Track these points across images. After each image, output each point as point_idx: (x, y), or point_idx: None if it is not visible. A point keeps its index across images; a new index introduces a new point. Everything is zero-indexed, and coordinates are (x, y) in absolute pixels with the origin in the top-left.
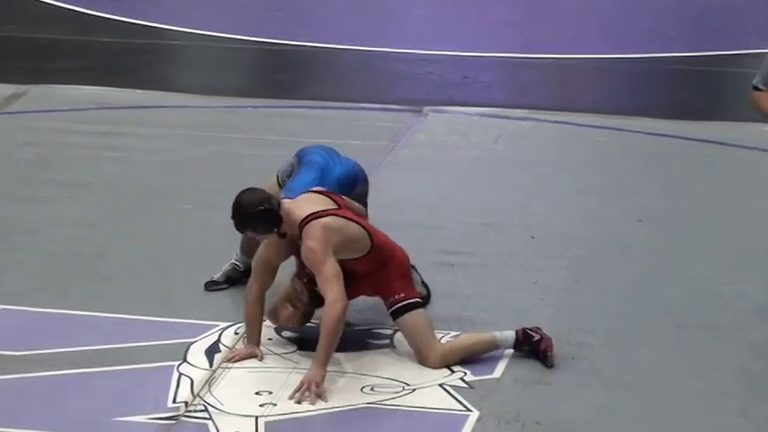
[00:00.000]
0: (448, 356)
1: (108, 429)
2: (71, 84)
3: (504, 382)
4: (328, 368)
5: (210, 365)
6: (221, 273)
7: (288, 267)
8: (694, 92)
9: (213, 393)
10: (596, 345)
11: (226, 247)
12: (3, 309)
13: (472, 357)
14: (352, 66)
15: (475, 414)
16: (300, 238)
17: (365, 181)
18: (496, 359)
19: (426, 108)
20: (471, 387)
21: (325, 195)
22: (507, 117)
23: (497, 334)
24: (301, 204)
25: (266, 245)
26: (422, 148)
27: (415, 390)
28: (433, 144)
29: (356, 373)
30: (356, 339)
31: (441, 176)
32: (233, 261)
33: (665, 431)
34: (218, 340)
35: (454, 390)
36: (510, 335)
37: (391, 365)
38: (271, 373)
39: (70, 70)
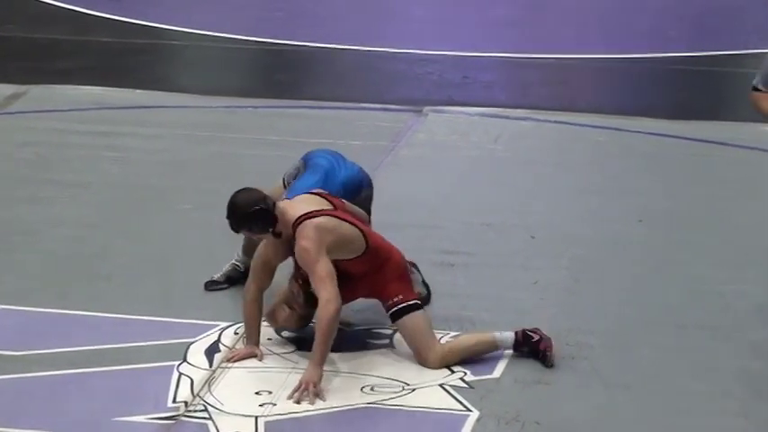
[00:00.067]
0: (448, 357)
1: (108, 429)
2: (71, 84)
3: (503, 382)
4: (328, 368)
5: (210, 365)
6: (221, 273)
7: (286, 268)
8: (694, 92)
9: (213, 393)
10: (596, 345)
11: (226, 248)
12: (3, 309)
13: (472, 358)
14: (353, 66)
15: (475, 414)
16: (294, 238)
17: (370, 186)
18: (496, 359)
19: (426, 108)
20: (471, 387)
21: (322, 197)
22: (507, 117)
23: (497, 334)
24: (296, 205)
25: (265, 245)
26: (422, 148)
27: (414, 390)
28: (434, 144)
29: (356, 372)
30: (356, 339)
31: (441, 176)
32: (234, 261)
33: (665, 431)
34: (218, 340)
35: (454, 390)
36: (509, 336)
37: (391, 365)
38: (270, 373)
39: (70, 70)
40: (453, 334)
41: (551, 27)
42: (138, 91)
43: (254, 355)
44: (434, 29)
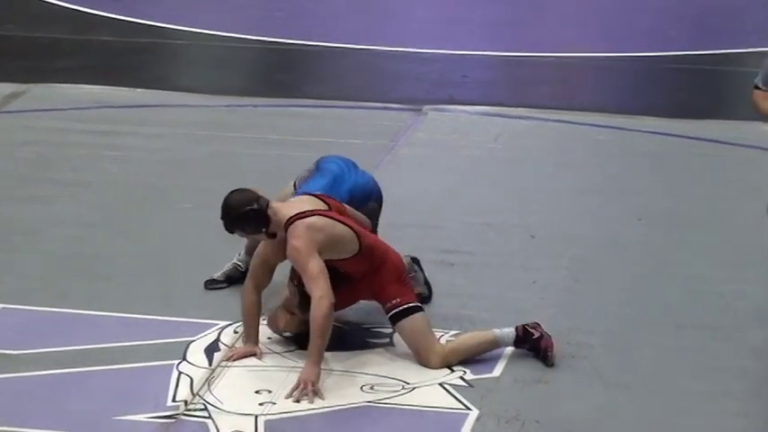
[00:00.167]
0: (449, 357)
1: (108, 428)
2: (71, 83)
3: (503, 381)
4: (328, 367)
5: (210, 364)
6: (222, 272)
7: (286, 268)
8: (695, 91)
9: (213, 392)
10: (596, 344)
11: (225, 247)
12: (3, 308)
13: (473, 357)
14: (353, 65)
15: (474, 413)
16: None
17: (378, 200)
18: (496, 358)
19: (426, 107)
20: (471, 386)
21: (319, 198)
22: (507, 116)
23: (497, 332)
24: (289, 205)
25: (264, 245)
26: (422, 148)
27: (414, 388)
28: (434, 143)
29: (356, 371)
30: (356, 338)
31: (441, 176)
32: (235, 261)
33: (664, 431)
34: (218, 339)
35: (454, 388)
36: (510, 332)
37: (391, 364)
38: (270, 372)
39: (70, 69)
40: (453, 333)
41: (551, 26)
42: (138, 90)
43: (253, 354)
44: (434, 28)
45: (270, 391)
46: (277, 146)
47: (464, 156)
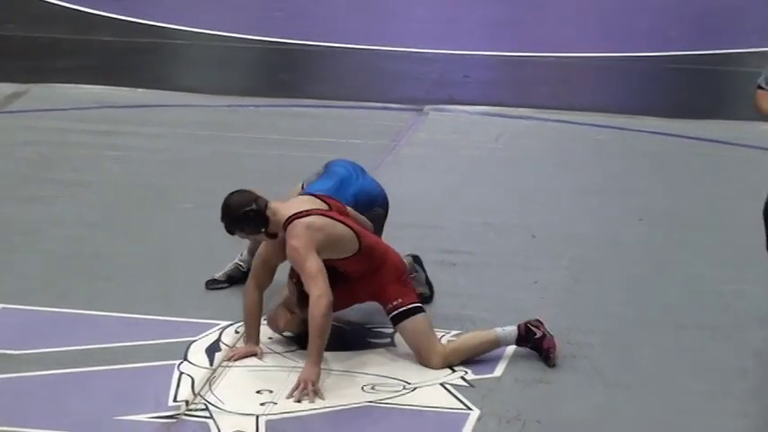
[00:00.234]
0: (450, 358)
1: (109, 428)
2: (72, 83)
3: (504, 381)
4: (329, 367)
5: (211, 364)
6: (223, 272)
7: (287, 267)
8: (695, 91)
9: (214, 392)
10: (596, 344)
11: (226, 247)
12: (3, 308)
13: (474, 357)
14: (353, 65)
15: (476, 413)
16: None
17: (384, 205)
18: (497, 358)
19: (427, 107)
20: (472, 386)
21: (319, 198)
22: (508, 116)
23: (499, 331)
24: (288, 205)
25: (266, 244)
26: (423, 148)
27: (415, 388)
28: (434, 143)
29: (357, 371)
30: (357, 338)
31: (441, 176)
32: (237, 261)
33: (665, 431)
34: (219, 339)
35: (455, 388)
36: (512, 331)
37: (392, 364)
38: (271, 372)
39: (71, 69)
40: (454, 333)
41: (552, 26)
42: (139, 90)
43: (253, 354)
44: (435, 28)
45: (271, 391)
46: (278, 146)
47: (465, 156)
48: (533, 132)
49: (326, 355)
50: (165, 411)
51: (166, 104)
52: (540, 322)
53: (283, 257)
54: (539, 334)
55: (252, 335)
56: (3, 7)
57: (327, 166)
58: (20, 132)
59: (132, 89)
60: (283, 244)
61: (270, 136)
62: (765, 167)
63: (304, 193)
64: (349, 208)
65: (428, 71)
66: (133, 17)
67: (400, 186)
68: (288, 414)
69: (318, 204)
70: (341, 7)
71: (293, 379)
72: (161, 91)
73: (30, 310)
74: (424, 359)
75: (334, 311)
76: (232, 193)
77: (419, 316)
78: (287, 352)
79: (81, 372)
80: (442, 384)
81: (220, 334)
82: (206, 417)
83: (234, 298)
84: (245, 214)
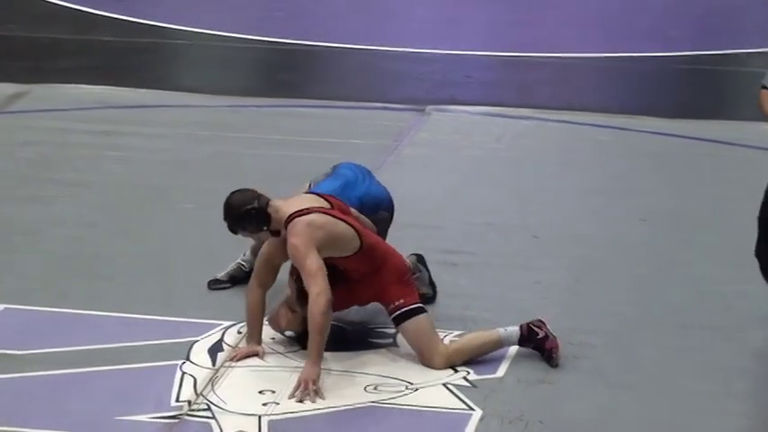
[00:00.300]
0: (453, 358)
1: (111, 428)
2: (73, 83)
3: (507, 381)
4: (332, 367)
5: (213, 364)
6: (225, 272)
7: (290, 266)
8: (696, 91)
9: (216, 392)
10: (599, 344)
11: (228, 247)
12: (4, 308)
13: (476, 357)
14: (355, 65)
15: (478, 413)
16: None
17: (390, 209)
18: (499, 358)
19: (429, 107)
20: (474, 386)
21: (321, 197)
22: (510, 116)
23: (501, 331)
24: (290, 203)
25: (268, 244)
26: (424, 148)
27: (418, 389)
28: (436, 143)
29: (359, 372)
30: (359, 338)
31: (443, 176)
32: (239, 261)
33: (667, 431)
34: (221, 339)
35: (457, 389)
36: (514, 331)
37: (394, 364)
38: (274, 372)
39: (72, 69)
40: (456, 333)
41: (553, 26)
42: (140, 90)
43: (255, 354)
44: (437, 28)
45: (273, 392)
46: (280, 146)
47: (467, 156)
48: (535, 132)
49: (329, 355)
50: (167, 411)
51: (167, 105)
52: (543, 323)
53: (286, 257)
54: (541, 334)
55: (254, 335)
56: (4, 7)
57: (335, 168)
58: (21, 132)
59: (133, 89)
60: (285, 243)
61: (271, 136)
62: (767, 168)
63: (308, 192)
64: (352, 209)
65: (430, 71)
66: (134, 17)
67: (402, 187)
68: (290, 414)
69: (320, 203)
70: (341, 7)
71: (295, 379)
72: (162, 91)
73: (30, 311)
74: (426, 359)
75: (335, 311)
76: (233, 193)
77: (421, 316)
78: (289, 352)
79: (82, 372)
80: (444, 385)
81: (223, 334)
82: (208, 417)
83: (236, 298)
84: (246, 213)
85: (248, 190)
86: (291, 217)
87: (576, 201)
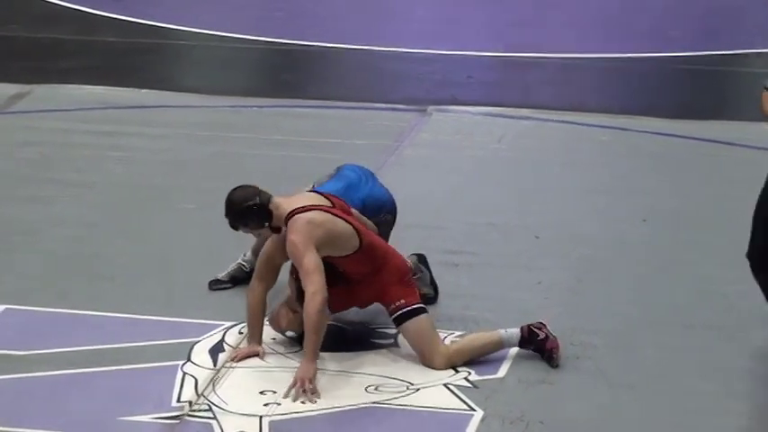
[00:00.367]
0: (453, 358)
1: (112, 429)
2: (75, 83)
3: (508, 381)
4: (333, 367)
5: (215, 365)
6: (226, 272)
7: (290, 266)
8: (699, 91)
9: (217, 393)
10: (601, 345)
11: (229, 247)
12: (5, 308)
13: (477, 358)
14: (356, 65)
15: (479, 414)
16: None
17: (393, 211)
18: (501, 359)
19: (430, 108)
20: (475, 387)
21: (323, 195)
22: (511, 117)
23: (502, 332)
24: (291, 200)
25: (270, 243)
26: (426, 148)
27: (419, 389)
28: (438, 144)
29: (360, 372)
30: (360, 338)
31: (445, 176)
32: (240, 261)
33: (669, 431)
34: (222, 340)
35: (458, 389)
36: (515, 333)
37: (395, 365)
38: (275, 373)
39: (74, 70)
40: (458, 334)
41: (555, 27)
42: (142, 91)
43: (255, 354)
44: (438, 28)
45: (274, 392)
46: (281, 146)
47: (468, 156)
48: (536, 133)
49: (330, 355)
50: (168, 412)
51: (169, 105)
52: (543, 324)
53: (287, 256)
54: (541, 335)
55: (254, 335)
56: (6, 8)
57: (338, 170)
58: (22, 133)
59: (135, 90)
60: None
61: (273, 136)
62: None
63: (311, 191)
64: (353, 210)
65: (431, 71)
66: (134, 17)
67: (403, 187)
68: (291, 415)
69: (322, 201)
70: (341, 7)
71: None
72: (164, 92)
73: (31, 311)
74: (427, 360)
75: (336, 312)
76: (235, 189)
77: (422, 317)
78: (290, 352)
79: (82, 372)
80: (445, 385)
81: (224, 335)
82: (209, 417)
83: (237, 298)
84: (248, 209)
85: (250, 186)
86: (292, 214)
87: (577, 201)
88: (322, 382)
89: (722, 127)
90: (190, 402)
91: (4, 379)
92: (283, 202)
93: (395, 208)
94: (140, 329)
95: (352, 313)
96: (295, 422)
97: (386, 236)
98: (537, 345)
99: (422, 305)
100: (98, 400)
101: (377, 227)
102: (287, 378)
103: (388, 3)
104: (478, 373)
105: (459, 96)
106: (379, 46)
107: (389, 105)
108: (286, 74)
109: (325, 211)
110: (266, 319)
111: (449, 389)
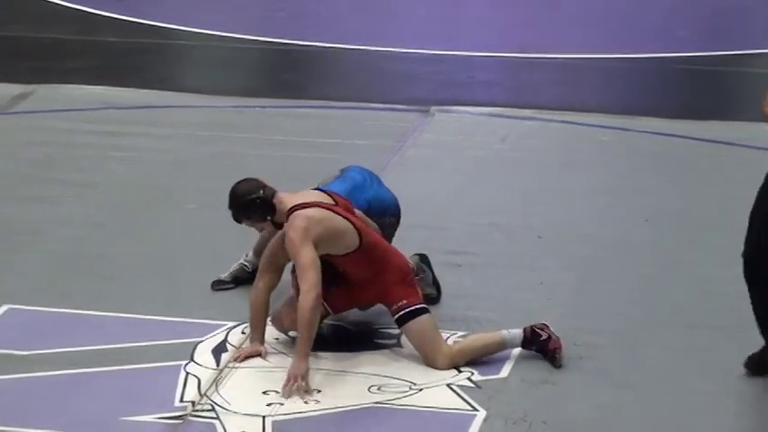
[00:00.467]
0: (456, 359)
1: (115, 429)
2: (78, 83)
3: (510, 381)
4: (335, 367)
5: (217, 365)
6: (229, 272)
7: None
8: (702, 92)
9: (220, 393)
10: (603, 345)
11: (232, 247)
12: (8, 308)
13: (480, 358)
14: (359, 66)
15: (482, 414)
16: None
17: (396, 214)
18: (503, 359)
19: (433, 108)
20: (478, 387)
21: (326, 193)
22: (514, 117)
23: (505, 333)
24: (294, 196)
25: (273, 242)
26: (428, 149)
27: (422, 389)
28: (440, 144)
29: (363, 372)
30: (363, 338)
31: (447, 176)
32: (242, 261)
33: (672, 431)
34: (225, 340)
35: (461, 389)
36: (518, 333)
37: (398, 365)
38: (277, 373)
39: (77, 70)
40: (460, 334)
41: (557, 27)
42: (144, 91)
43: (258, 354)
44: (440, 29)
45: (277, 392)
46: (283, 147)
47: (470, 156)
48: (539, 133)
49: (333, 355)
50: (171, 412)
51: (171, 105)
52: (546, 325)
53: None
54: (544, 336)
55: (257, 335)
56: (8, 8)
57: (344, 171)
58: (25, 133)
59: (137, 90)
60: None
61: (274, 137)
62: None
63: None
64: (357, 210)
65: (433, 72)
66: (135, 17)
67: (406, 187)
68: (294, 415)
69: (325, 198)
70: (343, 7)
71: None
72: (166, 92)
73: (34, 311)
74: (429, 360)
75: (337, 312)
76: (239, 182)
77: (424, 317)
78: (293, 352)
79: (85, 372)
80: (448, 385)
81: (227, 335)
82: (212, 417)
83: (240, 299)
84: (251, 201)
85: (254, 179)
86: (292, 209)
87: (580, 201)
88: (325, 381)
89: (723, 127)
90: (193, 402)
91: (6, 379)
92: (287, 198)
93: (399, 211)
94: (143, 329)
95: (355, 313)
96: (298, 422)
97: (389, 238)
98: (540, 345)
99: (424, 305)
100: (101, 400)
101: (381, 229)
102: None
103: (390, 3)
104: (481, 374)
105: (462, 97)
106: (381, 46)
107: (392, 106)
108: (287, 74)
109: (325, 208)
110: (269, 318)
111: (452, 389)
